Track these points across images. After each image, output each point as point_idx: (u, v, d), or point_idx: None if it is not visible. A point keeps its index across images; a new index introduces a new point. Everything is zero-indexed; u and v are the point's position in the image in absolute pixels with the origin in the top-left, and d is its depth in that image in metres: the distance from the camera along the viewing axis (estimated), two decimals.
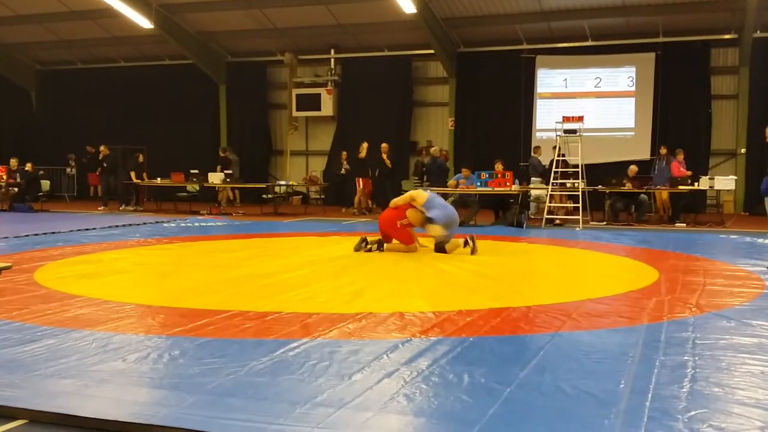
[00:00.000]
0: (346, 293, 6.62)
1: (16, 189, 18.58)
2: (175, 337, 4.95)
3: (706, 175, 16.07)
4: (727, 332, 5.15)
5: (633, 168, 15.84)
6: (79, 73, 24.58)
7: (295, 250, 10.30)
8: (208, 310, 5.79)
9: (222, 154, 19.55)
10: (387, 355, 4.44)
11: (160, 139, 22.59)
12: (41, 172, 20.44)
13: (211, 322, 5.34)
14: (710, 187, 15.30)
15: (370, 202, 18.39)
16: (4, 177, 18.39)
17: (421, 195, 9.90)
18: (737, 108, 18.59)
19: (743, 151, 18.38)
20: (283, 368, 4.16)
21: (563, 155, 15.28)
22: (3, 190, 18.52)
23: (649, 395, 3.70)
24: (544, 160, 16.57)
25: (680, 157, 15.97)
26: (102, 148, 19.08)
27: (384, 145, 17.95)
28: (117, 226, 13.64)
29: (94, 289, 6.74)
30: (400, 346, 4.68)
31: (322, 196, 22.03)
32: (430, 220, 9.67)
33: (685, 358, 4.45)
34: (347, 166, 18.74)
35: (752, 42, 17.60)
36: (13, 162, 18.74)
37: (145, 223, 14.37)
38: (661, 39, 18.75)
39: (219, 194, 19.16)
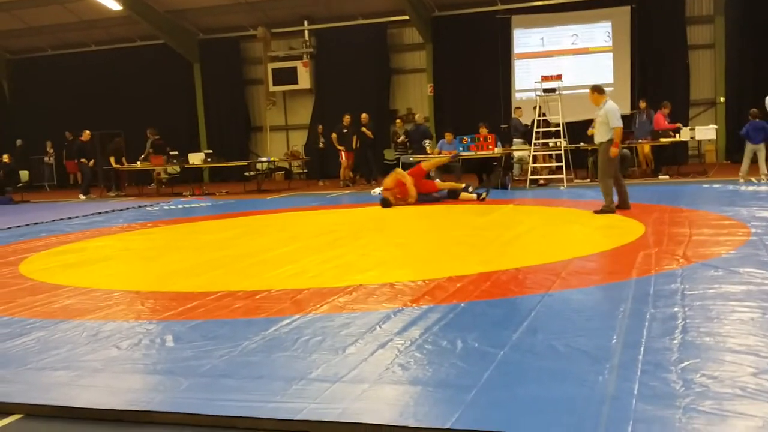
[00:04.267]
0: (334, 267, 6.62)
1: None
2: (165, 321, 4.93)
3: (686, 126, 16.08)
4: (716, 281, 5.18)
5: None
6: (50, 59, 24.14)
7: (282, 227, 10.27)
8: (197, 292, 5.77)
9: (158, 138, 19.31)
10: (380, 326, 4.44)
11: (137, 122, 22.19)
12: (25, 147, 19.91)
13: (201, 304, 5.32)
14: (691, 137, 15.32)
15: (351, 174, 18.23)
16: None
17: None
18: (714, 57, 18.56)
19: (722, 99, 18.40)
20: (277, 346, 4.16)
21: (544, 115, 15.25)
22: None
23: (642, 348, 3.73)
24: (525, 120, 16.52)
25: (666, 110, 15.85)
26: (86, 133, 18.75)
27: (364, 115, 17.82)
28: (100, 213, 13.53)
29: (81, 278, 6.70)
30: (392, 316, 4.69)
31: (305, 170, 21.91)
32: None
33: (675, 309, 4.48)
34: (323, 139, 18.61)
35: None
36: None
37: (128, 208, 14.27)
38: None
39: (155, 174, 19.17)
